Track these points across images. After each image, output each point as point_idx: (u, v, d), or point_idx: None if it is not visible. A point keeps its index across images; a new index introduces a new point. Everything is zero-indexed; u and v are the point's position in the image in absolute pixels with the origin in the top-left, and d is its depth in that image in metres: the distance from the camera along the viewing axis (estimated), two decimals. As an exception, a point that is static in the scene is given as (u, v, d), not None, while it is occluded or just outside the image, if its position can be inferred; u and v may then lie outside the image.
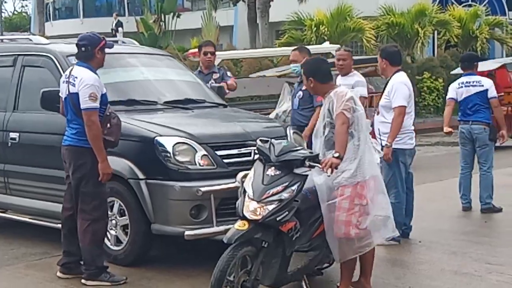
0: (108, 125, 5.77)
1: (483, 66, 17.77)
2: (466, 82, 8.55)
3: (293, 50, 8.09)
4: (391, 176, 6.98)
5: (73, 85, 5.74)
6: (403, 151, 7.03)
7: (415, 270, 6.32)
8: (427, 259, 6.62)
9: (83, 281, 5.87)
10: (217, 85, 8.10)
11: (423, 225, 7.66)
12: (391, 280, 5.95)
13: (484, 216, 8.37)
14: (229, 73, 8.95)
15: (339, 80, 7.79)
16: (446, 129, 8.49)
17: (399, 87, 6.95)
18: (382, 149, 6.76)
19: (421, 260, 6.62)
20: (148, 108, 6.85)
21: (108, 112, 5.81)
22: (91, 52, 5.83)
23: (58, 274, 6.06)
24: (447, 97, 8.81)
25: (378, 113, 7.14)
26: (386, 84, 7.15)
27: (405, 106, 6.92)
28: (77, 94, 5.70)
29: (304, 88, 7.78)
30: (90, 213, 5.81)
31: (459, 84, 8.61)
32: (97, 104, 5.68)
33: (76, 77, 5.74)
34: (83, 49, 5.86)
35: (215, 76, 8.55)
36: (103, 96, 5.78)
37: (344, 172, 5.13)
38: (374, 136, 6.81)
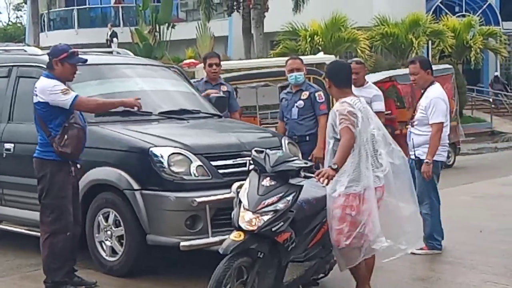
0: (66, 136, 5.68)
1: (371, 78, 17.42)
2: None
3: (293, 59, 7.92)
4: (424, 187, 6.83)
5: (36, 95, 5.77)
6: (437, 163, 6.92)
7: (410, 280, 6.31)
8: (422, 268, 6.63)
9: None
10: (217, 95, 7.91)
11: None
12: (387, 290, 5.96)
13: (479, 226, 8.37)
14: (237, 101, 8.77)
15: (355, 91, 7.68)
16: None
17: (437, 103, 6.82)
18: (414, 161, 6.79)
19: (416, 270, 6.62)
20: (143, 119, 6.84)
21: (67, 123, 5.71)
22: (50, 62, 5.85)
23: None
24: None
25: (412, 126, 7.01)
26: (421, 96, 7.03)
27: (443, 122, 6.83)
28: (37, 103, 5.72)
29: (304, 97, 7.78)
30: (48, 226, 5.77)
31: None
32: (73, 93, 5.67)
33: (36, 87, 5.79)
34: (47, 59, 5.93)
35: (224, 88, 8.27)
36: None
37: (339, 182, 5.14)
38: (406, 148, 6.72)
